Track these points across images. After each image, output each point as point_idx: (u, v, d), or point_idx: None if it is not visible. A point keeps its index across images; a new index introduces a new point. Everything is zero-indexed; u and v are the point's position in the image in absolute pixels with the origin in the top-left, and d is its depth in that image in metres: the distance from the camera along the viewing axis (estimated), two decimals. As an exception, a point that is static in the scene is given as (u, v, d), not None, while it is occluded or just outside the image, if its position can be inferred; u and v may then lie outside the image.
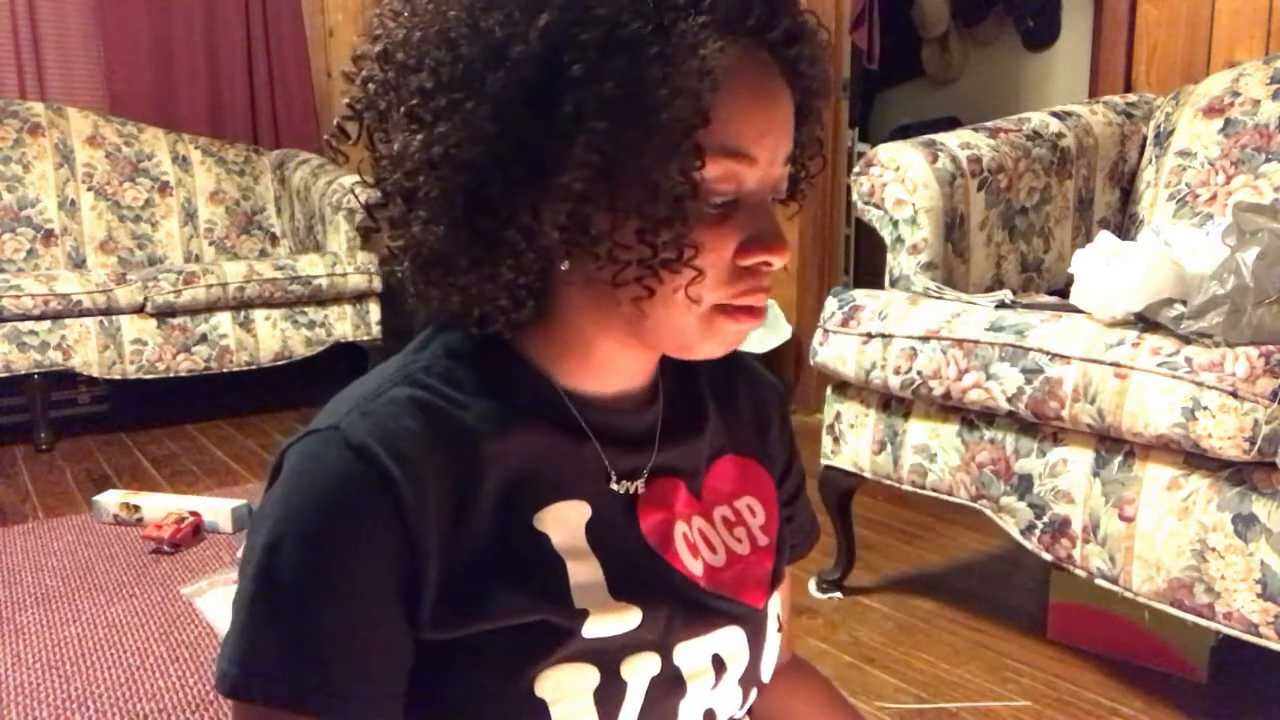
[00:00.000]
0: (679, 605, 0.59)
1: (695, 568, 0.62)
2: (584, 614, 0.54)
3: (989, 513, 1.45)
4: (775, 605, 0.68)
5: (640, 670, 0.57)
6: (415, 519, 0.50)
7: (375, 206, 0.55)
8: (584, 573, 0.56)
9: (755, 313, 0.55)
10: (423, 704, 0.53)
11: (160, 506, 2.12)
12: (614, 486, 0.59)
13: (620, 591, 0.56)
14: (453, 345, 0.58)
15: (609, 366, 0.59)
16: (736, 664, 0.63)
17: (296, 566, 0.50)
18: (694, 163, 0.49)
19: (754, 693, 0.66)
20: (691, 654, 0.60)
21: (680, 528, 0.62)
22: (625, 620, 0.56)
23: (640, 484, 0.60)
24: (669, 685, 0.58)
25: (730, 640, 0.62)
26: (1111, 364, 1.23)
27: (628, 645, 0.56)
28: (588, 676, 0.54)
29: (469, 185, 0.50)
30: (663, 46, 0.48)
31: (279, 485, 0.52)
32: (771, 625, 0.67)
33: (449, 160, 0.49)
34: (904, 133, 3.16)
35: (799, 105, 0.56)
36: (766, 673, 0.67)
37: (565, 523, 0.56)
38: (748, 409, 0.71)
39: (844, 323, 1.62)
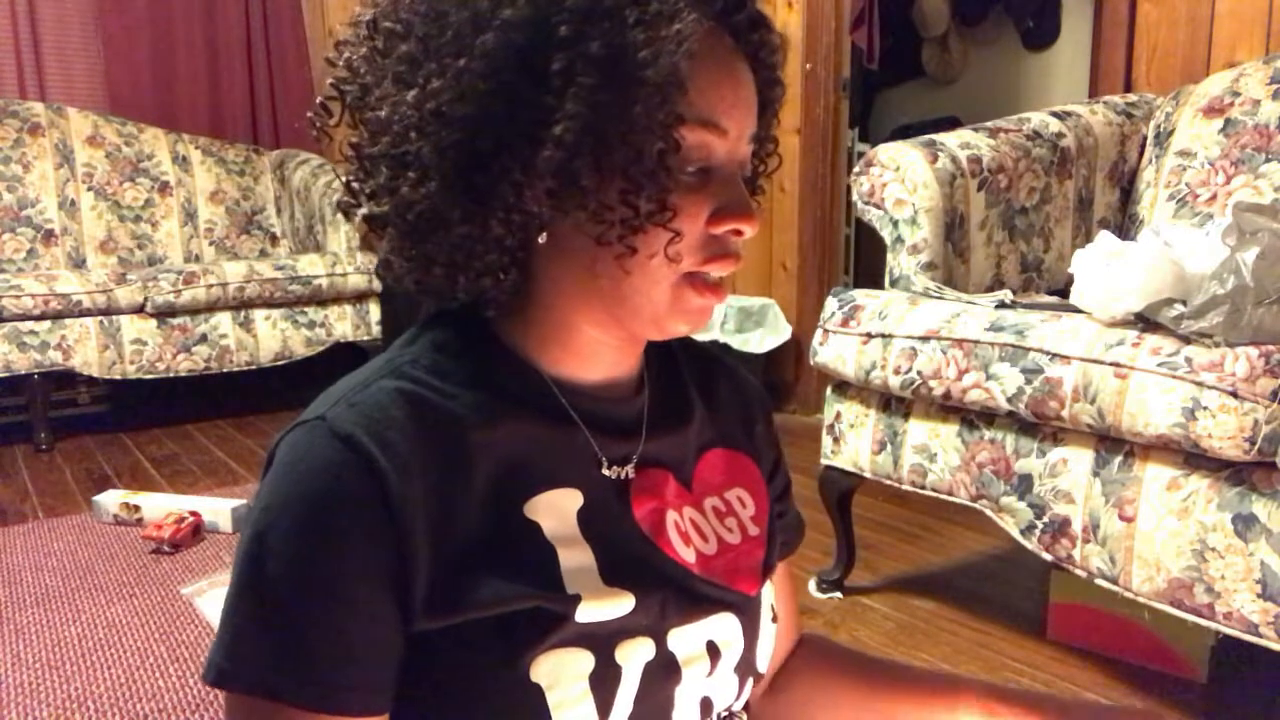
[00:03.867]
0: (672, 591, 0.60)
1: (687, 555, 0.62)
2: (576, 599, 0.55)
3: (989, 513, 1.45)
4: (769, 595, 0.69)
5: (634, 655, 0.57)
6: (402, 507, 0.51)
7: (356, 179, 0.56)
8: (575, 559, 0.56)
9: (718, 289, 0.58)
10: (420, 693, 0.53)
11: (160, 506, 2.12)
12: (605, 472, 0.60)
13: (612, 577, 0.57)
14: (440, 339, 0.59)
15: (592, 352, 0.60)
16: (731, 651, 0.64)
17: (283, 557, 0.50)
18: (675, 125, 0.52)
19: (750, 682, 0.67)
20: (685, 640, 0.60)
21: (671, 516, 0.63)
22: (618, 605, 0.57)
23: (630, 470, 0.61)
24: (664, 671, 0.59)
25: (724, 627, 0.63)
26: (1111, 364, 1.23)
27: (622, 630, 0.57)
28: (582, 661, 0.55)
29: (461, 141, 0.51)
30: (641, 14, 0.50)
31: (268, 476, 0.53)
32: (766, 615, 0.68)
33: (441, 117, 0.51)
34: (904, 133, 3.16)
35: (760, 93, 0.59)
36: (763, 662, 0.68)
37: (556, 510, 0.57)
38: (732, 405, 0.72)
39: (844, 323, 1.62)
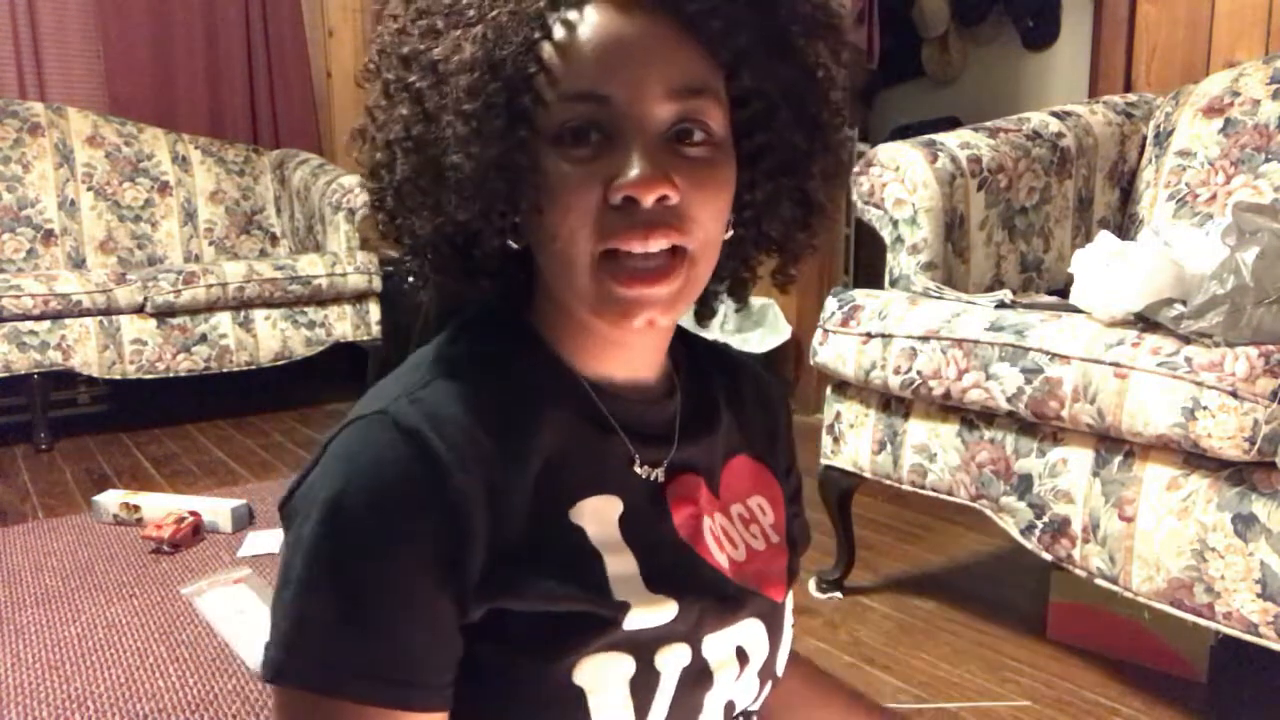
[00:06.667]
0: (710, 598, 0.60)
1: (722, 561, 0.63)
2: (625, 606, 0.55)
3: (989, 513, 1.45)
4: (791, 601, 0.70)
5: (672, 661, 0.57)
6: (464, 503, 0.51)
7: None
8: (620, 565, 0.56)
9: (647, 279, 0.53)
10: (461, 692, 0.53)
11: (160, 506, 2.12)
12: (637, 470, 0.60)
13: (656, 584, 0.57)
14: (483, 338, 0.60)
15: (605, 346, 0.60)
16: (757, 656, 0.64)
17: (348, 547, 0.50)
18: (523, 112, 0.52)
19: (769, 685, 0.67)
20: (718, 645, 0.61)
21: (706, 522, 0.63)
22: (663, 613, 0.57)
23: (660, 473, 0.61)
24: (698, 676, 0.59)
25: (752, 633, 0.64)
26: (1111, 364, 1.23)
27: (661, 636, 0.57)
28: (624, 665, 0.55)
29: (371, 155, 0.57)
30: (481, 9, 0.52)
31: (327, 468, 0.52)
32: (788, 620, 0.69)
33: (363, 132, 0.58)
34: (904, 133, 3.15)
35: (710, 38, 0.53)
36: (781, 667, 0.69)
37: (599, 516, 0.57)
38: (757, 412, 0.72)
39: (844, 323, 1.62)
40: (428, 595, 0.50)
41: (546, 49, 0.51)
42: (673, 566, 0.59)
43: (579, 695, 0.53)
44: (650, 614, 0.56)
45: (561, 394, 0.58)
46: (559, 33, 0.51)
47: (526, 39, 0.51)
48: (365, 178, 0.58)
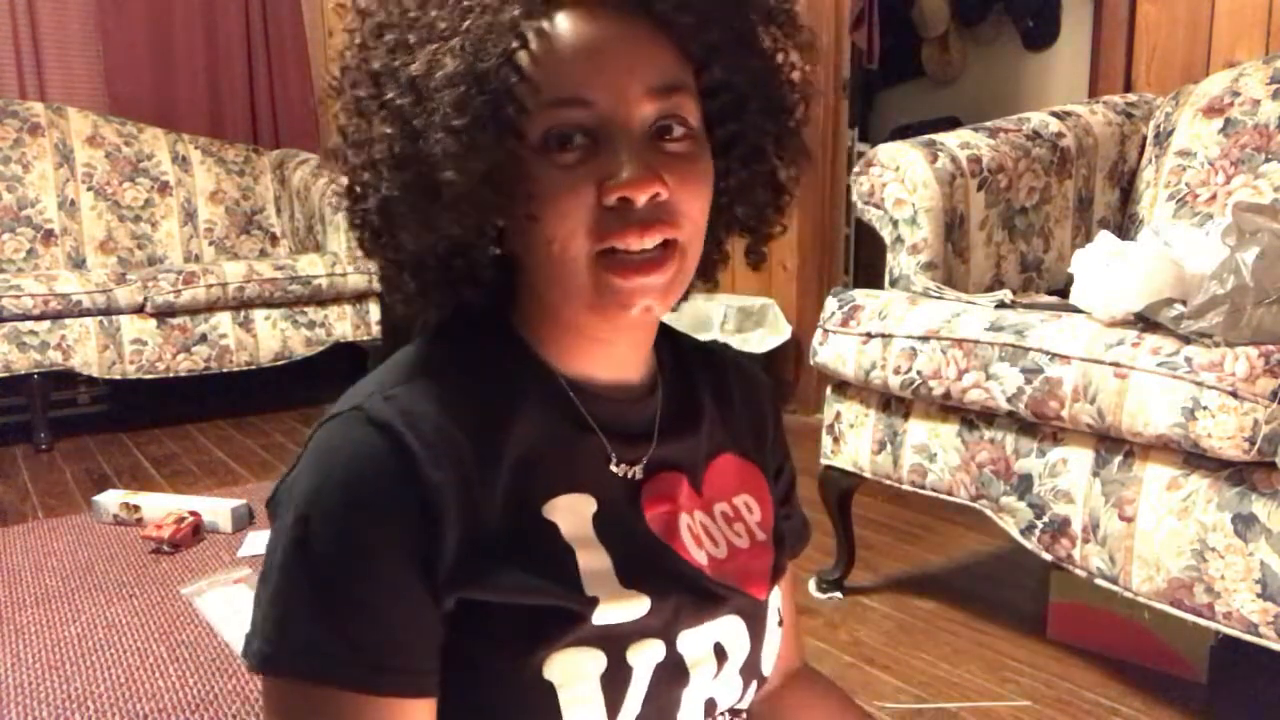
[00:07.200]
0: (685, 594, 0.60)
1: (700, 558, 0.63)
2: (595, 601, 0.55)
3: (989, 513, 1.45)
4: (776, 599, 0.69)
5: (645, 656, 0.58)
6: (435, 494, 0.52)
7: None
8: (592, 561, 0.57)
9: (643, 268, 0.54)
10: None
11: (160, 506, 2.12)
12: (613, 469, 0.60)
13: (629, 580, 0.57)
14: (465, 339, 0.60)
15: (588, 346, 0.60)
16: (737, 654, 0.64)
17: (327, 539, 0.51)
18: (511, 122, 0.52)
19: (754, 685, 0.67)
20: (694, 642, 0.61)
21: (684, 519, 0.63)
22: (635, 608, 0.57)
23: (638, 470, 0.61)
24: (672, 672, 0.59)
25: (731, 630, 0.63)
26: (1111, 364, 1.23)
27: (634, 631, 0.57)
28: (595, 660, 0.55)
29: (346, 179, 0.58)
30: (455, 22, 0.51)
31: (305, 463, 0.54)
32: (772, 619, 0.68)
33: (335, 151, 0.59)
34: (904, 133, 3.15)
35: (682, 35, 0.55)
36: (767, 665, 0.68)
37: (573, 514, 0.57)
38: (745, 411, 0.72)
39: (844, 323, 1.62)
40: (405, 584, 0.51)
41: (524, 58, 0.52)
42: (647, 562, 0.59)
43: (550, 690, 0.53)
44: (621, 609, 0.56)
45: (540, 394, 0.59)
46: (535, 41, 0.52)
47: (506, 49, 0.51)
48: (343, 196, 0.58)
